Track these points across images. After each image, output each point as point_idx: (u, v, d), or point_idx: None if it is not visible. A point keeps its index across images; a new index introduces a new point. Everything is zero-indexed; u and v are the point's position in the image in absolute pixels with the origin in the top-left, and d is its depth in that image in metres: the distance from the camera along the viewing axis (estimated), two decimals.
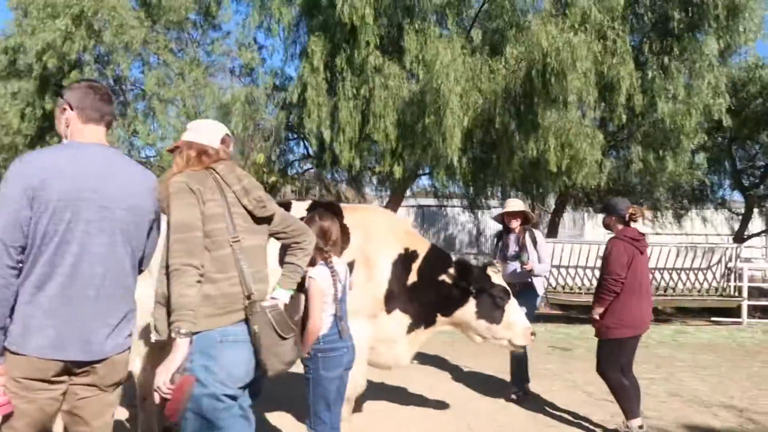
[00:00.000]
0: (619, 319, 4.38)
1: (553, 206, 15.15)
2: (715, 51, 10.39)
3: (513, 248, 5.45)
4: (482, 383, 6.14)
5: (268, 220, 2.57)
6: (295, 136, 12.77)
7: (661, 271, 11.60)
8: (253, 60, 11.16)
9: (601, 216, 5.20)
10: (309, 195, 14.07)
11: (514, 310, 4.21)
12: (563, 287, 11.27)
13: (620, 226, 4.49)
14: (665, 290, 11.65)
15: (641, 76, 10.47)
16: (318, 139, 11.29)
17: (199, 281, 2.24)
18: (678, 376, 6.76)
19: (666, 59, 10.38)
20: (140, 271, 2.41)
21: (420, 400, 5.43)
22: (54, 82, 10.97)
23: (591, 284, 10.62)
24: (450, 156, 10.09)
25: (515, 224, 5.51)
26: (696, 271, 11.70)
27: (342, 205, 4.26)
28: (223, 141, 2.58)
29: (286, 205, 4.11)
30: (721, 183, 15.15)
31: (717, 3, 9.64)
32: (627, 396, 4.39)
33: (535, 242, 5.41)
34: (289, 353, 2.43)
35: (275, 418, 4.76)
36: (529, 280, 5.42)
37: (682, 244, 12.33)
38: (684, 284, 11.69)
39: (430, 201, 18.43)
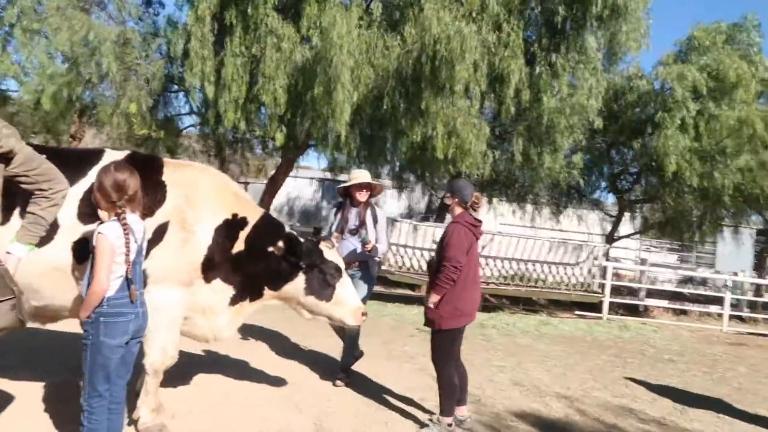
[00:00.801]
0: (456, 308, 4.15)
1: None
2: (597, 51, 10.73)
3: (353, 222, 5.14)
4: (332, 362, 5.94)
5: (3, 159, 2.13)
6: (177, 89, 11.87)
7: (534, 263, 12.08)
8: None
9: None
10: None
11: (345, 288, 4.00)
12: None
13: (459, 210, 4.27)
14: (536, 282, 12.14)
15: (530, 71, 10.63)
16: (201, 95, 10.56)
17: None
18: (526, 366, 6.94)
19: (554, 56, 10.60)
20: None
21: (257, 376, 5.15)
22: None
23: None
24: (338, 130, 9.81)
25: (364, 197, 5.17)
26: (565, 266, 12.28)
27: (166, 160, 3.81)
28: None
29: (99, 153, 3.63)
30: (598, 184, 15.98)
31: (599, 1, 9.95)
32: (451, 394, 4.24)
33: (375, 220, 5.16)
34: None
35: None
36: (366, 259, 5.15)
37: (554, 239, 12.89)
38: (554, 278, 12.23)
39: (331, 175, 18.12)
